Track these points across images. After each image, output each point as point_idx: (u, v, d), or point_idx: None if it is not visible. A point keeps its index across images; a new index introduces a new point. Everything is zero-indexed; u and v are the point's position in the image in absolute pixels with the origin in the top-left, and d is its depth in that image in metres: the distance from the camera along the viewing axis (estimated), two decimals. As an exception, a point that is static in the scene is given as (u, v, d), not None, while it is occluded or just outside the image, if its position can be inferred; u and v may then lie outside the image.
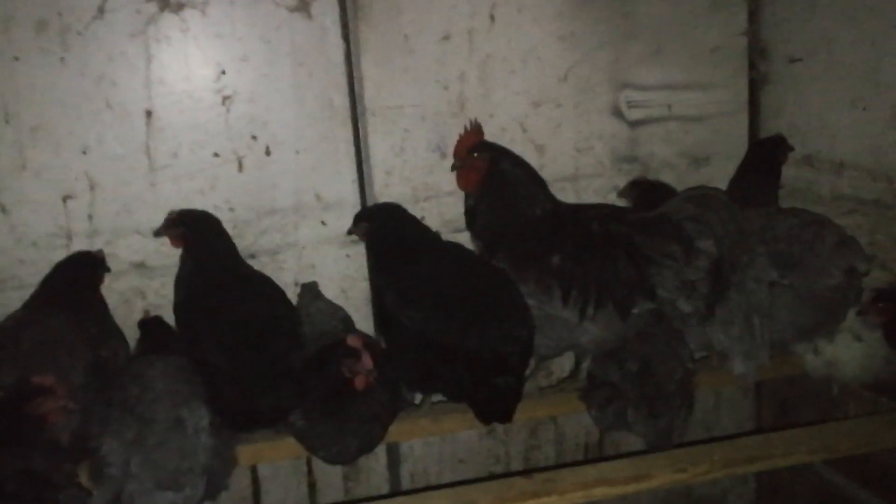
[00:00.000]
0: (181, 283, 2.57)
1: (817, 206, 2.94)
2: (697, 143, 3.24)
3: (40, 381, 1.93)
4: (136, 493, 2.10)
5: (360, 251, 3.00)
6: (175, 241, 2.62)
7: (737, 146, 3.26)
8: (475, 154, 2.58)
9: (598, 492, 2.26)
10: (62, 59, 2.64)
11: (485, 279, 2.48)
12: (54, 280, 2.52)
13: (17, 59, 2.61)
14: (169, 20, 2.71)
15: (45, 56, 2.63)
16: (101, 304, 2.59)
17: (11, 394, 1.92)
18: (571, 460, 3.34)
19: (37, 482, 1.79)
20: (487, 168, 2.56)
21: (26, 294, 2.58)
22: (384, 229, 2.64)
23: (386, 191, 2.98)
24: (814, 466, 3.07)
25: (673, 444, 2.49)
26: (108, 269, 2.67)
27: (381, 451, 3.07)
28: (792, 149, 2.99)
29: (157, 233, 2.63)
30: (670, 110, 3.20)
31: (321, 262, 2.98)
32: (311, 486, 3.14)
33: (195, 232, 2.59)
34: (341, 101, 2.89)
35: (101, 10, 2.64)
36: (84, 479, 2.10)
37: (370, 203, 2.96)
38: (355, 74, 2.88)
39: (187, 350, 2.38)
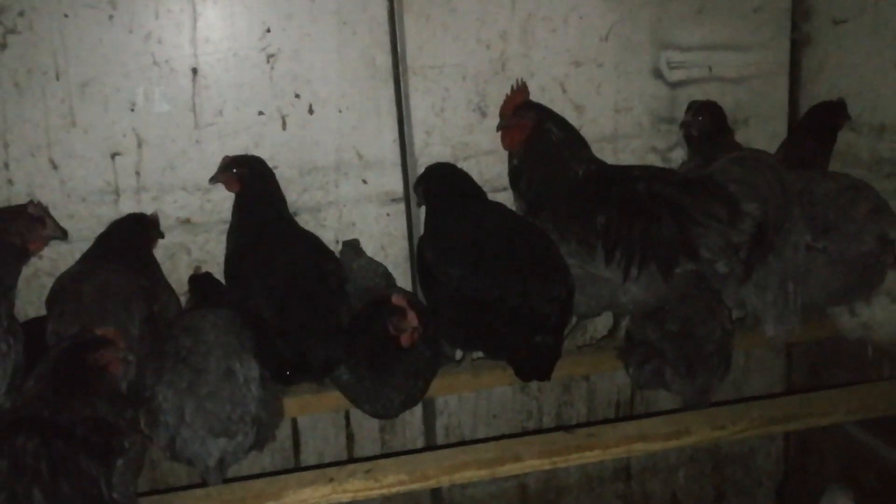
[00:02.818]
0: (232, 234, 2.62)
1: (857, 169, 2.94)
2: (737, 104, 3.22)
3: (103, 332, 1.99)
4: (189, 439, 2.19)
5: (399, 209, 3.04)
6: (230, 184, 2.65)
7: (776, 108, 3.25)
8: (520, 114, 2.60)
9: (638, 447, 2.32)
10: (111, 16, 2.66)
11: (524, 238, 2.51)
12: (109, 237, 2.57)
13: (66, 15, 2.63)
14: (215, -23, 2.72)
15: (94, 13, 2.65)
16: (153, 261, 2.65)
17: (76, 345, 1.98)
18: (603, 417, 3.40)
19: (103, 429, 1.86)
20: (532, 128, 2.57)
21: (75, 248, 2.65)
22: (433, 190, 2.68)
23: (426, 150, 3.00)
24: (843, 426, 3.11)
25: (709, 403, 2.55)
26: (161, 235, 2.73)
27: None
28: (849, 117, 2.95)
29: (213, 179, 2.65)
30: (711, 71, 3.18)
31: (362, 219, 3.02)
32: (349, 438, 3.22)
33: (251, 172, 2.63)
34: (384, 59, 2.89)
35: (149, -33, 2.66)
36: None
37: (409, 162, 2.99)
38: (398, 33, 2.88)
39: (237, 304, 2.43)
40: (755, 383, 3.53)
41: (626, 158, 3.13)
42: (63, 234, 2.27)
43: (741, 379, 3.48)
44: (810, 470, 3.50)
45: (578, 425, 2.42)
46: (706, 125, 2.93)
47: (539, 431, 3.32)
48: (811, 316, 2.77)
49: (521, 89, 2.64)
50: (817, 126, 2.97)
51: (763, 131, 3.19)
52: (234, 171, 2.62)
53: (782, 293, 2.58)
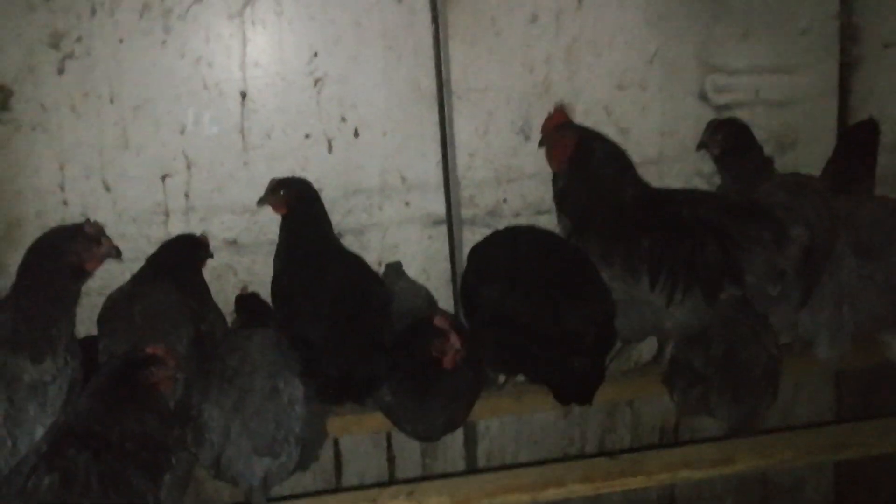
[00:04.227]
0: (278, 256, 2.65)
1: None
2: (784, 127, 3.18)
3: (153, 351, 2.03)
4: (234, 458, 2.21)
5: (441, 232, 3.06)
6: (278, 206, 2.68)
7: (824, 131, 3.20)
8: (561, 131, 2.60)
9: (683, 474, 2.28)
10: (163, 41, 2.74)
11: (564, 260, 2.51)
12: (160, 257, 2.63)
13: (121, 41, 2.71)
14: (264, 3, 2.78)
15: (148, 38, 2.73)
16: (202, 282, 2.69)
17: (127, 362, 2.02)
18: (647, 444, 3.35)
19: (152, 445, 1.89)
20: (575, 146, 2.57)
21: (126, 268, 2.69)
22: None
23: (469, 173, 3.02)
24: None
25: (755, 431, 2.50)
26: (210, 255, 2.77)
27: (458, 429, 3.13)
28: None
29: (261, 201, 2.69)
30: (757, 94, 3.15)
31: (404, 241, 3.04)
32: (390, 461, 3.22)
33: (298, 195, 2.67)
34: (428, 83, 2.93)
35: (200, -6, 2.74)
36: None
37: (452, 184, 3.01)
38: (442, 57, 2.91)
39: (283, 324, 2.46)
40: (803, 411, 3.45)
41: (672, 182, 3.11)
42: (118, 254, 2.33)
43: (789, 407, 3.41)
44: (861, 502, 3.40)
45: (622, 451, 2.39)
46: (725, 144, 2.89)
47: (582, 457, 3.28)
48: (861, 342, 2.71)
49: (562, 108, 2.64)
50: (853, 149, 2.92)
51: (811, 154, 3.14)
52: (282, 193, 2.66)
53: (836, 316, 2.55)
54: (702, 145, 2.94)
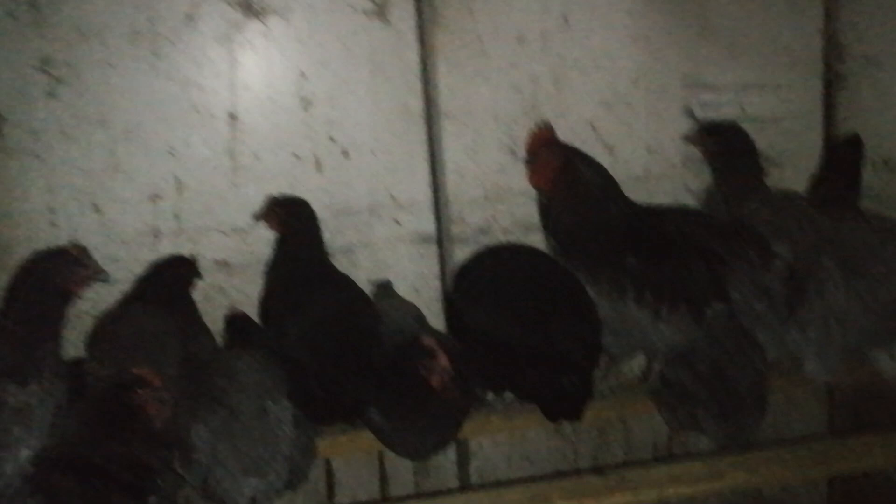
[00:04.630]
0: (269, 274, 2.67)
1: (894, 210, 2.90)
2: (770, 144, 3.20)
3: (139, 373, 2.04)
4: (222, 478, 2.21)
5: (432, 250, 3.07)
6: (272, 223, 2.71)
7: (810, 147, 3.23)
8: (548, 149, 2.62)
9: (671, 490, 2.29)
10: (153, 65, 2.77)
11: (550, 277, 2.52)
12: (148, 279, 2.64)
13: (111, 66, 2.74)
14: (253, 27, 2.82)
15: (137, 62, 2.76)
16: (191, 302, 2.70)
17: (113, 385, 2.03)
18: (640, 460, 3.35)
19: (137, 467, 1.89)
20: (560, 165, 2.59)
21: (118, 289, 2.70)
22: None
23: (458, 191, 3.04)
24: (891, 474, 3.02)
25: (744, 447, 2.50)
26: (200, 276, 2.77)
27: (450, 447, 3.13)
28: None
29: (257, 216, 2.71)
30: (743, 111, 3.18)
31: (395, 260, 3.05)
32: (383, 480, 3.21)
33: (294, 213, 2.69)
34: (416, 104, 2.96)
35: (189, 18, 2.77)
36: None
37: (442, 203, 3.03)
38: (430, 78, 2.95)
39: (271, 343, 2.47)
40: (797, 427, 3.45)
41: (660, 198, 3.12)
42: (104, 276, 2.33)
43: (782, 423, 3.41)
44: (855, 517, 3.40)
45: (609, 467, 2.40)
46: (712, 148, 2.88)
47: (579, 472, 3.27)
48: (853, 359, 2.71)
49: (545, 127, 2.65)
50: (837, 165, 2.92)
51: (797, 170, 3.16)
52: (278, 210, 2.69)
53: (824, 332, 2.55)
54: (688, 139, 2.94)
